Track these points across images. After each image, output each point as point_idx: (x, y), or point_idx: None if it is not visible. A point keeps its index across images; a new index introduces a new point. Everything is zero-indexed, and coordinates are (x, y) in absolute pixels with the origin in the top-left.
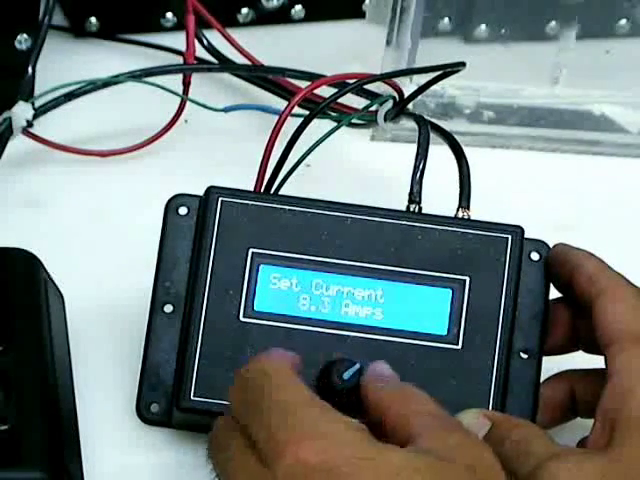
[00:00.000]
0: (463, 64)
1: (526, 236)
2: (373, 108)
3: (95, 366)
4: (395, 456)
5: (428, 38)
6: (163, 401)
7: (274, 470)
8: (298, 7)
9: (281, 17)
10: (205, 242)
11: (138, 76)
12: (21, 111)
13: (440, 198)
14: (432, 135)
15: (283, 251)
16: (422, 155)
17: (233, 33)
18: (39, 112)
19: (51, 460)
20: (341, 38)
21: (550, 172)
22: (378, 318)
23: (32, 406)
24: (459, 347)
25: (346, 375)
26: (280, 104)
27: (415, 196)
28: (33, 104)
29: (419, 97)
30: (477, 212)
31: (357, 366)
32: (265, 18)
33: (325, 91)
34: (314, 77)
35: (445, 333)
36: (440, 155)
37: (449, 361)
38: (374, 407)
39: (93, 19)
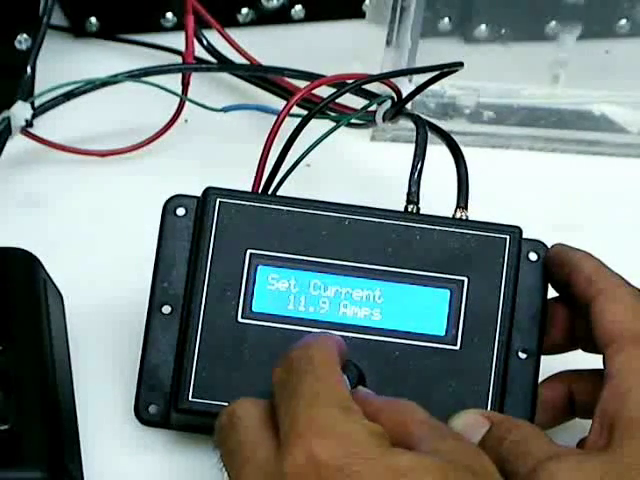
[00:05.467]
0: (461, 64)
1: (524, 236)
2: (372, 108)
3: (94, 366)
4: (405, 457)
5: (428, 38)
6: (161, 402)
7: (284, 458)
8: (298, 7)
9: (281, 17)
10: (203, 243)
11: (137, 76)
12: (20, 111)
13: (439, 198)
14: (430, 135)
15: (281, 252)
16: (420, 155)
17: (233, 33)
18: (38, 112)
19: (51, 460)
20: (341, 38)
21: (550, 172)
22: (376, 319)
23: (32, 406)
24: (457, 347)
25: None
26: (279, 104)
27: (413, 196)
28: (32, 104)
29: (419, 97)
30: (477, 212)
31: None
32: (265, 18)
33: (325, 91)
34: (313, 77)
35: (443, 334)
36: (439, 155)
37: (447, 362)
38: (370, 418)
39: (93, 19)
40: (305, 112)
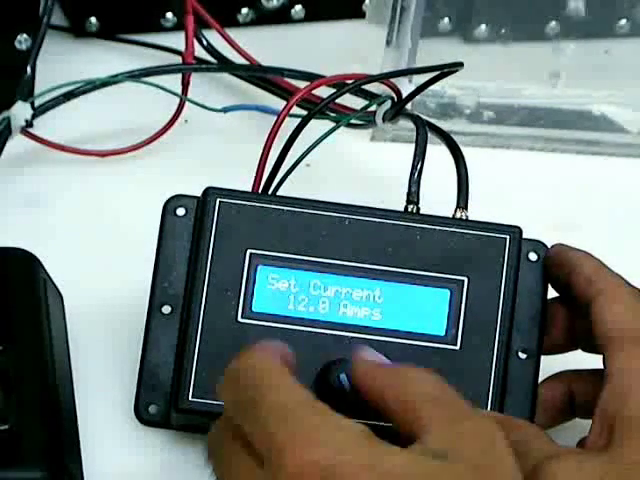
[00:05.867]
0: (461, 64)
1: (524, 236)
2: (372, 108)
3: (94, 366)
4: (395, 460)
5: (428, 38)
6: (161, 402)
7: (275, 475)
8: (298, 7)
9: (281, 17)
10: (203, 243)
11: (137, 76)
12: (20, 111)
13: (439, 198)
14: (430, 135)
15: (281, 252)
16: (420, 155)
17: (233, 33)
18: (38, 112)
19: (51, 460)
20: (341, 38)
21: (550, 172)
22: (376, 319)
23: (32, 406)
24: (457, 348)
25: (343, 377)
26: (279, 104)
27: (413, 196)
28: (32, 104)
29: (419, 97)
30: (477, 212)
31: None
32: (265, 18)
33: (324, 91)
34: (313, 77)
35: (443, 334)
36: (439, 155)
37: (447, 362)
38: (375, 400)
39: (93, 19)
40: (305, 112)
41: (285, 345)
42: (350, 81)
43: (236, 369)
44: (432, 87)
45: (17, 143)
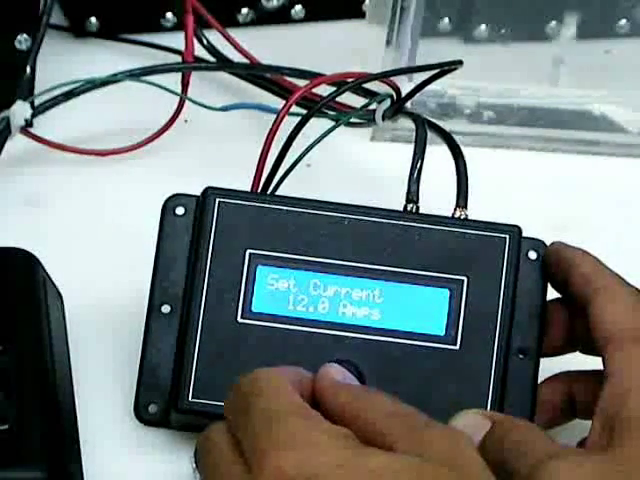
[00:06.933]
0: (460, 62)
1: (524, 235)
2: (372, 107)
3: (94, 366)
4: (373, 460)
5: (428, 38)
6: (161, 402)
7: (255, 477)
8: (298, 7)
9: (281, 17)
10: (202, 243)
11: (137, 75)
12: (19, 110)
13: (438, 198)
14: (431, 135)
15: (280, 252)
16: (419, 154)
17: (233, 33)
18: (38, 111)
19: (51, 460)
20: (341, 38)
21: (550, 172)
22: (376, 318)
23: (32, 406)
24: (457, 347)
25: None
26: (280, 103)
27: (412, 195)
28: (32, 103)
29: (419, 97)
30: (477, 212)
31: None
32: (265, 18)
33: (324, 90)
34: (312, 76)
35: (443, 333)
36: (439, 155)
37: (447, 361)
38: (335, 417)
39: (93, 19)
40: (305, 111)
41: (297, 370)
42: (350, 79)
43: (242, 378)
44: (432, 87)
45: (17, 143)
